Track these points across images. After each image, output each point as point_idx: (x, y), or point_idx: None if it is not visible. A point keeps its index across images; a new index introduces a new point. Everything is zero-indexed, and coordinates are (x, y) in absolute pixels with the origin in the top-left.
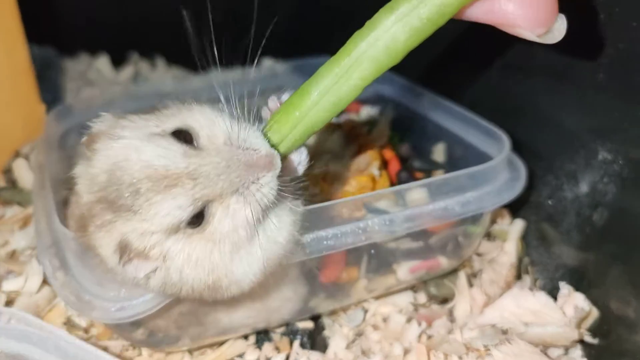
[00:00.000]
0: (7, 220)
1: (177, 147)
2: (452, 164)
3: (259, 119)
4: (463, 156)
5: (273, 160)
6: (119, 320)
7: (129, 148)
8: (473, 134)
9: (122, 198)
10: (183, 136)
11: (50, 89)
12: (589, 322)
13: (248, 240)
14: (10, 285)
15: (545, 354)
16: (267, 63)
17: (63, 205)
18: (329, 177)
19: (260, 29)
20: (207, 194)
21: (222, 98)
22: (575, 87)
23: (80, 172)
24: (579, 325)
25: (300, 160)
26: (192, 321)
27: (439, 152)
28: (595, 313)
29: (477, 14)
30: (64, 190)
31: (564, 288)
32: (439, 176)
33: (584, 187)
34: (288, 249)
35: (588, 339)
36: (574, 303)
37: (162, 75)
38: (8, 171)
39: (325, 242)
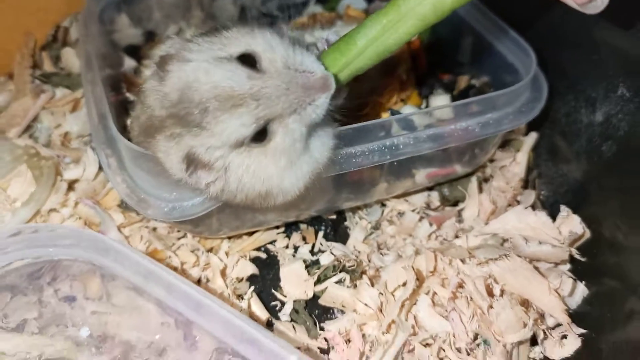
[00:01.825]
0: (58, 102)
1: (241, 71)
2: (477, 67)
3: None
4: (488, 62)
5: (328, 81)
6: (170, 219)
7: (198, 70)
8: (502, 42)
9: (191, 115)
10: (247, 60)
11: None
12: (580, 242)
13: (301, 155)
14: (70, 174)
15: (537, 268)
16: None
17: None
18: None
19: None
20: (269, 114)
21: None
22: (611, 19)
23: (151, 88)
24: (571, 245)
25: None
26: (232, 218)
27: (465, 53)
28: (587, 234)
29: None
30: (107, 69)
31: (564, 210)
32: (463, 100)
33: (599, 117)
34: (326, 165)
35: (577, 257)
36: (571, 225)
37: None
38: (57, 58)
39: (354, 160)
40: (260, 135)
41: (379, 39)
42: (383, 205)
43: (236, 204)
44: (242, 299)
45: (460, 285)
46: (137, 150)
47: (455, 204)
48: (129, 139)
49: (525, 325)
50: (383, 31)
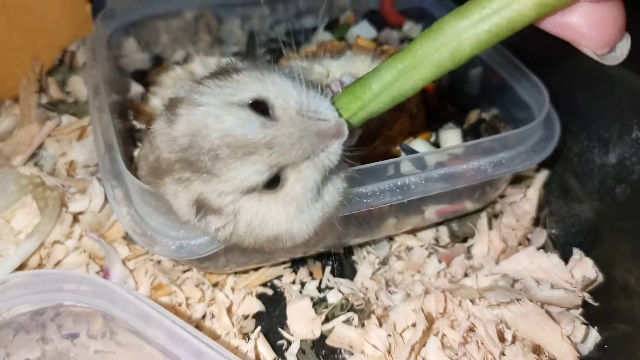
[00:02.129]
0: (64, 129)
1: (255, 119)
2: (487, 101)
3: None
4: (500, 97)
5: (341, 128)
6: (178, 258)
7: (209, 116)
8: (514, 78)
9: (201, 161)
10: (259, 105)
11: None
12: (592, 285)
13: (312, 202)
14: (76, 206)
15: (548, 312)
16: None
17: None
18: None
19: None
20: (282, 161)
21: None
22: (626, 59)
23: (160, 130)
24: (583, 289)
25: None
26: (239, 255)
27: (476, 87)
28: (600, 278)
29: (545, 26)
30: (114, 95)
31: (576, 254)
32: (476, 141)
33: (612, 158)
34: (337, 209)
35: (589, 301)
36: (583, 269)
37: None
38: (64, 83)
39: (365, 200)
40: (272, 182)
41: (394, 84)
42: (391, 239)
43: (244, 247)
44: (249, 338)
45: (471, 329)
46: (144, 188)
47: (464, 240)
48: (136, 172)
49: None
50: (399, 76)
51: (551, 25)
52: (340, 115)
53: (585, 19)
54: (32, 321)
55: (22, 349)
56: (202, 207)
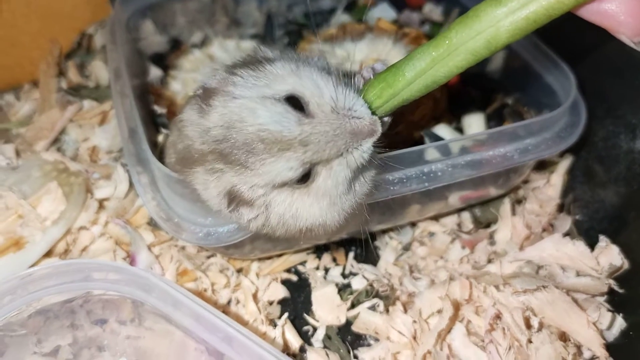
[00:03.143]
0: (86, 114)
1: (291, 115)
2: (510, 85)
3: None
4: (524, 81)
5: (375, 127)
6: (205, 245)
7: (244, 109)
8: (540, 63)
9: (235, 155)
10: (293, 100)
11: None
12: (618, 272)
13: (343, 195)
14: (102, 192)
15: (574, 299)
16: None
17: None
18: None
19: None
20: (316, 159)
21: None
22: None
23: (191, 119)
24: (609, 276)
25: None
26: (265, 243)
27: (499, 71)
28: (626, 265)
29: (583, 13)
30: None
31: (602, 241)
32: (502, 127)
33: (639, 144)
34: (366, 196)
35: (615, 288)
36: (610, 256)
37: None
38: (82, 66)
39: (392, 188)
40: (304, 177)
41: (428, 72)
42: (413, 225)
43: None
44: (275, 325)
45: (497, 316)
46: (171, 175)
47: (487, 225)
48: (161, 158)
49: None
50: (432, 64)
51: (588, 13)
52: (373, 112)
53: (623, 6)
54: (62, 308)
55: (53, 335)
56: (234, 199)
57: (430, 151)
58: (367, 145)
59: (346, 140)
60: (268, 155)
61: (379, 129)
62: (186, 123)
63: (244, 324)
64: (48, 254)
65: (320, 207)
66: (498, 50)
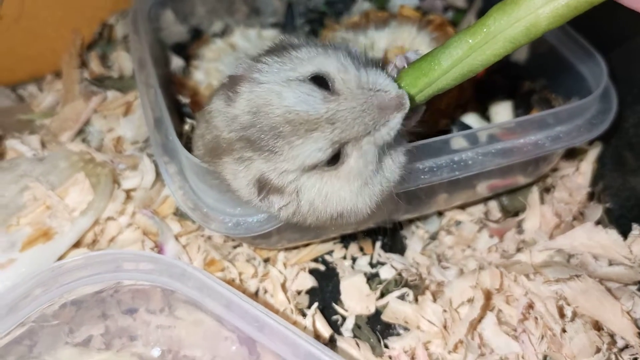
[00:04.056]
0: (110, 104)
1: (317, 93)
2: (537, 70)
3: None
4: (552, 67)
5: (403, 100)
6: (235, 235)
7: (270, 93)
8: (569, 49)
9: (263, 140)
10: (319, 80)
11: None
12: None
13: (373, 177)
14: (129, 183)
15: (607, 287)
16: None
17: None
18: None
19: None
20: (344, 137)
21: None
22: None
23: (218, 109)
24: None
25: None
26: (293, 232)
27: (527, 57)
28: None
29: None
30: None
31: (635, 229)
32: (533, 115)
33: None
34: (397, 183)
35: None
36: None
37: None
38: (104, 57)
39: (422, 177)
40: (333, 159)
41: (465, 60)
42: (440, 214)
43: (307, 225)
44: (305, 315)
45: (530, 306)
46: (199, 165)
47: (515, 214)
48: (187, 149)
49: (598, 349)
50: (469, 52)
51: (630, 0)
52: (405, 88)
53: None
54: (93, 298)
55: (84, 325)
56: (264, 187)
57: (460, 140)
58: (396, 121)
59: (374, 116)
60: (296, 137)
61: (407, 103)
62: (214, 113)
63: (274, 313)
64: (76, 244)
65: (350, 189)
66: (537, 38)
